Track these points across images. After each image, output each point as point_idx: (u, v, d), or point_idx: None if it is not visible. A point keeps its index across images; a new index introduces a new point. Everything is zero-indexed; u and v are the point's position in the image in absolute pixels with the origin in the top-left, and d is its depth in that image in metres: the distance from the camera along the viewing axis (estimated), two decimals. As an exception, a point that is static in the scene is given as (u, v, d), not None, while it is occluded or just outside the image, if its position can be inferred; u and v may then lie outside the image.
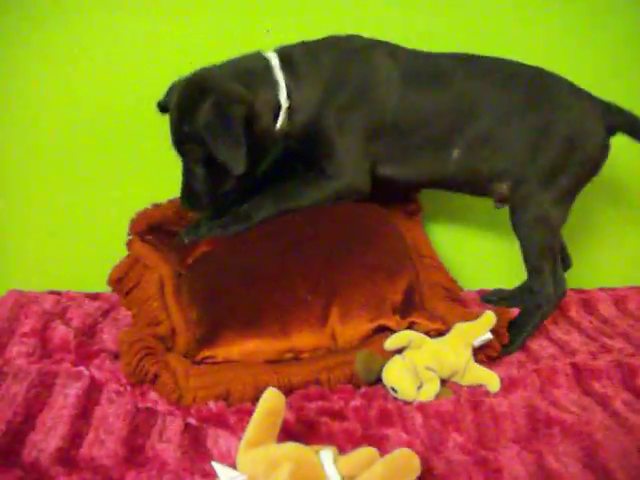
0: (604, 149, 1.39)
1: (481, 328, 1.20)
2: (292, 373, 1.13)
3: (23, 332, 1.30)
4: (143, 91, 1.47)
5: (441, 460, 0.98)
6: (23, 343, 1.26)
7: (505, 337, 1.27)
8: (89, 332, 1.34)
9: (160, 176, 1.49)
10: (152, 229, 1.39)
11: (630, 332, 1.46)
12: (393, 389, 1.14)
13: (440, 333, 1.24)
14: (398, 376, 1.14)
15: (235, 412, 1.08)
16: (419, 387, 1.15)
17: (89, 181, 1.58)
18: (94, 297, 1.51)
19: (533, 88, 1.38)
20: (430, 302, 1.32)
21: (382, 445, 1.00)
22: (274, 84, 1.29)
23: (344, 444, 0.99)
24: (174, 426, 1.05)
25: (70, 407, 1.07)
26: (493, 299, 1.55)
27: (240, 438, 0.99)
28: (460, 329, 1.20)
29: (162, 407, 1.10)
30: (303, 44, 1.36)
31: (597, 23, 1.69)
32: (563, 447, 1.02)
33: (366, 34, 1.41)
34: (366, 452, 0.88)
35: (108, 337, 1.32)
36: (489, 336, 1.20)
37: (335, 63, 1.34)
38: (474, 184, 1.42)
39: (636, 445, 1.02)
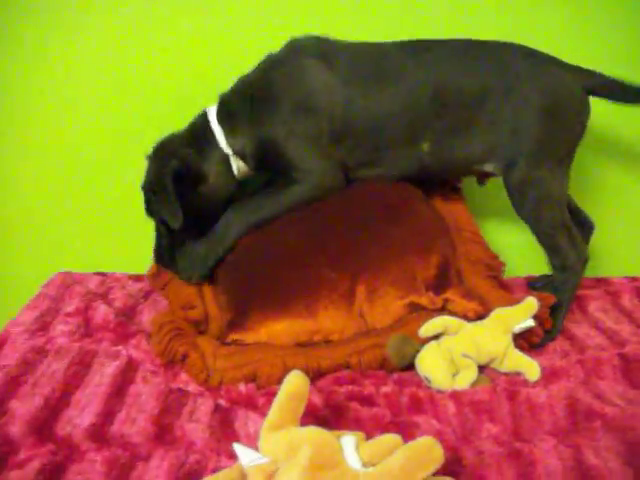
0: (584, 108, 1.31)
1: (522, 314, 1.15)
2: (321, 356, 1.12)
3: (67, 312, 1.34)
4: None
5: (472, 450, 0.95)
6: (67, 322, 1.30)
7: (548, 323, 1.22)
8: (129, 313, 1.37)
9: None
10: None
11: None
12: (427, 378, 1.11)
13: (478, 314, 1.20)
14: (433, 365, 1.11)
15: (264, 394, 1.08)
16: (455, 374, 1.12)
17: (134, 164, 1.61)
18: (137, 279, 1.54)
19: (495, 65, 1.29)
20: (470, 279, 1.28)
21: (412, 432, 0.98)
22: (213, 138, 1.31)
23: (372, 430, 0.97)
24: (204, 407, 1.06)
25: (106, 385, 1.10)
26: (539, 285, 1.49)
27: (269, 420, 1.00)
28: (500, 314, 1.16)
29: (193, 388, 1.11)
30: (238, 80, 1.35)
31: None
32: (604, 442, 0.96)
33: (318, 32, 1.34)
34: (390, 439, 0.85)
35: (147, 318, 1.34)
36: (531, 322, 1.15)
37: (263, 81, 1.31)
38: (453, 171, 1.39)
39: (685, 442, 0.96)
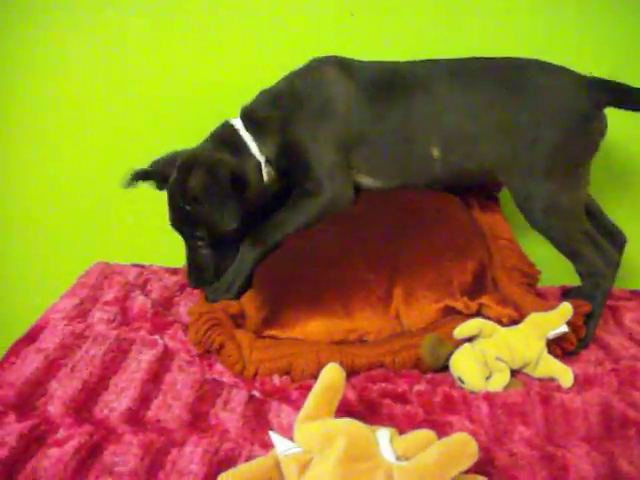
0: (595, 122, 1.31)
1: (557, 320, 1.15)
2: (356, 354, 1.13)
3: (105, 300, 1.37)
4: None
5: (504, 452, 0.94)
6: (105, 311, 1.33)
7: (582, 330, 1.22)
8: (166, 304, 1.40)
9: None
10: None
11: None
12: (460, 379, 1.11)
13: (512, 319, 1.20)
14: (466, 366, 1.11)
15: (298, 388, 1.09)
16: (488, 377, 1.12)
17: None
18: (174, 272, 1.56)
19: (504, 79, 1.33)
20: (505, 286, 1.28)
21: (444, 431, 0.96)
22: (245, 146, 1.35)
23: (404, 427, 0.97)
24: (239, 397, 1.07)
25: (142, 372, 1.12)
26: (572, 295, 1.48)
27: (301, 413, 1.01)
28: (534, 319, 1.16)
29: (228, 379, 1.13)
30: (260, 92, 1.41)
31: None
32: (638, 450, 0.96)
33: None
34: (424, 434, 0.86)
35: (183, 310, 1.37)
36: (565, 329, 1.15)
37: (288, 88, 1.38)
38: (464, 182, 1.41)
39: None
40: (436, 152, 1.35)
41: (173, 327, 1.27)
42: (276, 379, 1.11)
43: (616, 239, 1.47)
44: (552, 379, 1.14)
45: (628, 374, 1.15)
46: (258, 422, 1.01)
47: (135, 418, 1.00)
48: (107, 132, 1.67)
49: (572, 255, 1.33)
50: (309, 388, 1.05)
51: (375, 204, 1.34)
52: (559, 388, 1.12)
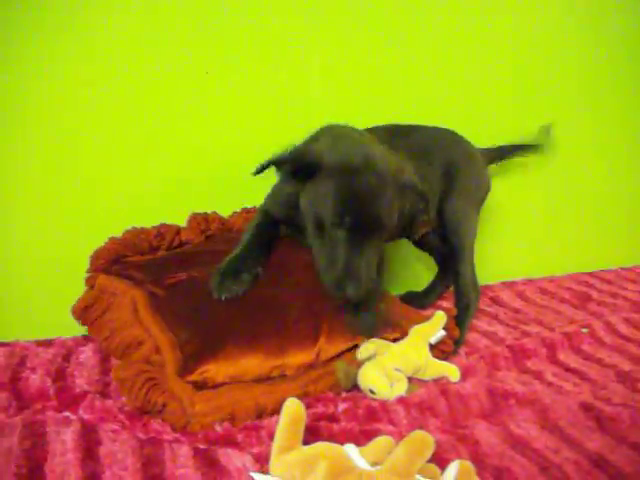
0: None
1: (435, 327, 1.37)
2: (284, 390, 1.22)
3: (-11, 388, 1.27)
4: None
5: (428, 442, 1.13)
6: (-7, 399, 1.24)
7: (456, 332, 1.46)
8: (61, 377, 1.34)
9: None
10: (113, 262, 1.45)
11: (539, 317, 1.72)
12: (371, 390, 1.27)
13: (397, 339, 1.40)
14: (374, 378, 1.28)
15: (241, 430, 1.15)
16: (391, 385, 1.30)
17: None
18: (47, 344, 1.49)
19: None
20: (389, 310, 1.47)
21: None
22: None
23: (346, 442, 1.10)
24: (183, 452, 1.10)
25: (72, 451, 1.08)
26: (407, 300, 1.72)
27: (251, 454, 1.09)
28: (417, 330, 1.37)
29: (167, 436, 1.14)
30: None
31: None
32: (521, 415, 1.21)
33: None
34: (383, 440, 1.00)
35: (81, 381, 1.33)
36: (443, 333, 1.38)
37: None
38: None
39: (576, 404, 1.24)
40: None
41: (87, 398, 1.23)
42: (217, 426, 1.16)
43: None
44: (441, 378, 1.36)
45: (492, 359, 1.42)
46: (216, 470, 1.05)
47: (93, 498, 0.99)
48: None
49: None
50: (252, 428, 1.15)
51: (301, 251, 1.44)
52: (449, 382, 1.33)
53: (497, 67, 1.98)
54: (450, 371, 1.35)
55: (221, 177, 1.69)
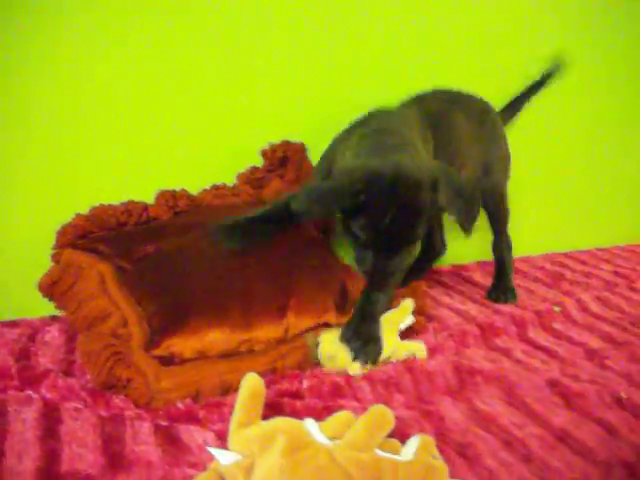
0: None
1: (403, 314, 1.37)
2: (251, 367, 1.19)
3: (-49, 368, 1.25)
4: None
5: (392, 418, 1.12)
6: (-46, 379, 1.22)
7: (426, 307, 1.46)
8: (24, 357, 1.32)
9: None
10: (80, 238, 1.43)
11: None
12: (330, 357, 1.27)
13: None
14: (336, 347, 1.28)
15: (203, 407, 1.14)
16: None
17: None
18: (12, 325, 1.47)
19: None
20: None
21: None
22: None
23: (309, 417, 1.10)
24: (145, 428, 1.09)
25: (33, 429, 1.07)
26: None
27: (213, 430, 1.08)
28: (387, 319, 1.36)
29: (129, 412, 1.13)
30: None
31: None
32: (487, 391, 1.21)
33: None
34: (343, 415, 0.99)
35: (45, 360, 1.31)
36: (412, 319, 1.39)
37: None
38: None
39: (543, 380, 1.24)
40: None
41: (49, 377, 1.21)
42: (179, 403, 1.15)
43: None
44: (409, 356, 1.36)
45: (461, 337, 1.42)
46: (176, 446, 1.05)
47: (51, 475, 0.97)
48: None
49: None
50: (214, 405, 1.14)
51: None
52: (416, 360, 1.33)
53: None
54: (417, 349, 1.35)
55: (189, 156, 1.67)
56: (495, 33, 1.97)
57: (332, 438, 0.94)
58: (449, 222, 1.83)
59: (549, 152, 2.12)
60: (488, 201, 1.71)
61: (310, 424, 0.96)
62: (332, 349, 1.28)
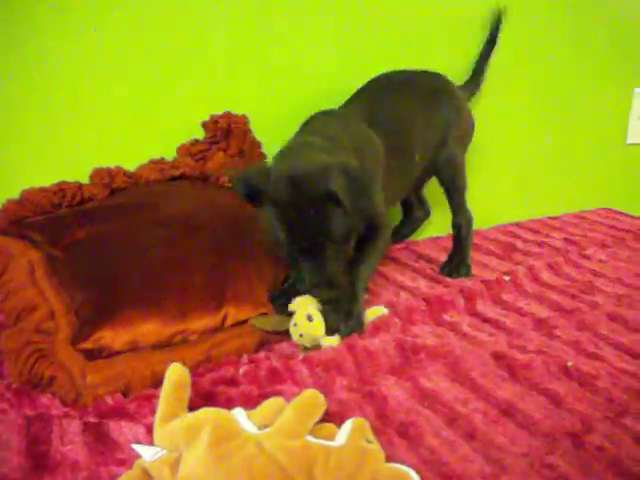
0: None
1: (377, 313, 1.38)
2: (185, 357, 1.16)
3: None
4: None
5: (333, 401, 1.07)
6: None
7: None
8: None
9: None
10: (12, 223, 1.38)
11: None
12: (309, 317, 1.26)
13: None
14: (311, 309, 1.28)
15: (133, 400, 1.09)
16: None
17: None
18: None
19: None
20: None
21: (279, 400, 1.08)
22: None
23: (244, 406, 1.04)
24: (73, 427, 1.04)
25: (-50, 435, 1.02)
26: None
27: (144, 424, 1.04)
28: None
29: (56, 411, 1.08)
30: None
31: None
32: (431, 368, 1.18)
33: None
34: (273, 402, 0.95)
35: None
36: (385, 310, 1.39)
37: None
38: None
39: (489, 353, 1.21)
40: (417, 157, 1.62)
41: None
42: (108, 399, 1.10)
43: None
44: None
45: (407, 314, 1.38)
46: (104, 444, 1.00)
47: (-31, 482, 0.92)
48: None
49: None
50: (144, 398, 1.10)
51: (202, 207, 1.40)
52: (359, 337, 1.29)
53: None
54: (380, 311, 1.37)
55: (124, 131, 1.59)
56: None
57: (262, 426, 0.91)
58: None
59: (495, 122, 2.08)
60: (443, 173, 1.72)
61: (238, 413, 0.92)
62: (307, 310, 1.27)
